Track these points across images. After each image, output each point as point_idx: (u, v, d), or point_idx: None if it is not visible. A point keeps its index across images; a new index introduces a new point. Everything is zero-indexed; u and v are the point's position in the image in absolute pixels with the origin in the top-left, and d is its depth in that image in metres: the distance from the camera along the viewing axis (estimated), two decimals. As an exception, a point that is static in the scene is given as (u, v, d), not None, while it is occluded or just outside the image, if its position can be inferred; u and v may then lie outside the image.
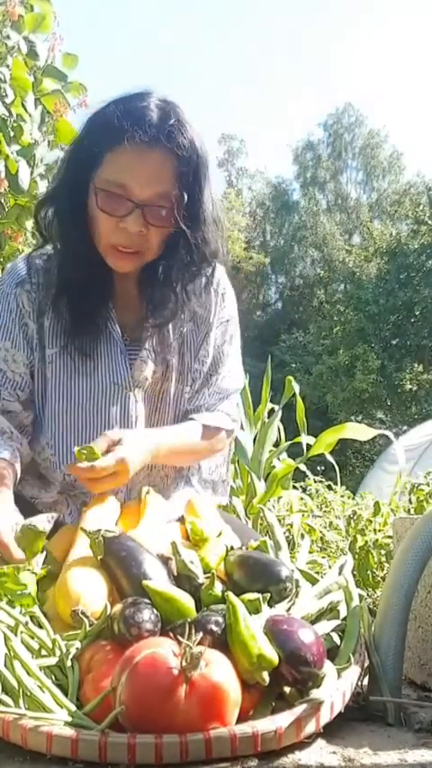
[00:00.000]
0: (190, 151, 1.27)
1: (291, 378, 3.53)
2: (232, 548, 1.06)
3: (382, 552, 2.24)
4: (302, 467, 3.46)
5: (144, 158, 1.25)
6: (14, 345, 1.38)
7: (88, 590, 0.96)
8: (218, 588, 0.95)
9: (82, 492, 1.36)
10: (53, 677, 0.86)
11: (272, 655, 0.82)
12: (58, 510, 1.38)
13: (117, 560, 0.98)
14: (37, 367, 1.39)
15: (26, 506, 1.27)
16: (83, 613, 0.92)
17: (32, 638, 0.90)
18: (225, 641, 0.85)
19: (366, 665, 0.97)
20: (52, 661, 0.87)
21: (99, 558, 1.01)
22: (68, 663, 0.87)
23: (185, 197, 1.29)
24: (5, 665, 0.83)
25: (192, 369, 1.44)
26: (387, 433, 3.93)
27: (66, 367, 1.38)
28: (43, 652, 0.89)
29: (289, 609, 0.97)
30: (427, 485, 2.70)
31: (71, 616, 0.93)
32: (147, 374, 1.38)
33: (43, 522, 1.07)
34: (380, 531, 2.41)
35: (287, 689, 0.85)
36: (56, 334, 1.39)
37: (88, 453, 1.16)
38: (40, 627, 0.92)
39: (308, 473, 3.90)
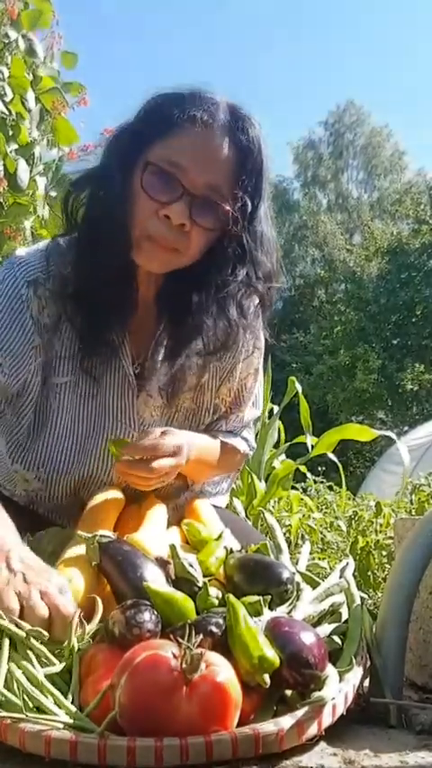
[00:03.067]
0: (256, 151, 1.16)
1: (293, 378, 3.54)
2: (232, 550, 1.06)
3: (384, 553, 2.23)
4: (303, 467, 3.46)
5: (210, 140, 1.13)
6: (12, 355, 1.18)
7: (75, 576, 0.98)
8: (213, 594, 0.94)
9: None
10: (53, 681, 0.85)
11: (273, 656, 0.82)
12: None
13: (114, 565, 0.97)
14: (39, 393, 1.24)
15: None
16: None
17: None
18: (226, 643, 0.84)
19: (367, 666, 0.97)
20: (57, 669, 0.86)
21: (94, 564, 1.00)
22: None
23: (245, 201, 1.15)
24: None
25: (209, 407, 1.35)
26: (390, 434, 3.93)
27: (73, 399, 1.25)
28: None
29: (290, 611, 0.96)
30: (428, 485, 2.69)
31: None
32: (154, 411, 1.29)
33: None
34: (381, 532, 2.40)
35: (288, 691, 0.84)
36: (68, 358, 1.24)
37: (120, 444, 1.17)
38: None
39: (308, 474, 3.89)
